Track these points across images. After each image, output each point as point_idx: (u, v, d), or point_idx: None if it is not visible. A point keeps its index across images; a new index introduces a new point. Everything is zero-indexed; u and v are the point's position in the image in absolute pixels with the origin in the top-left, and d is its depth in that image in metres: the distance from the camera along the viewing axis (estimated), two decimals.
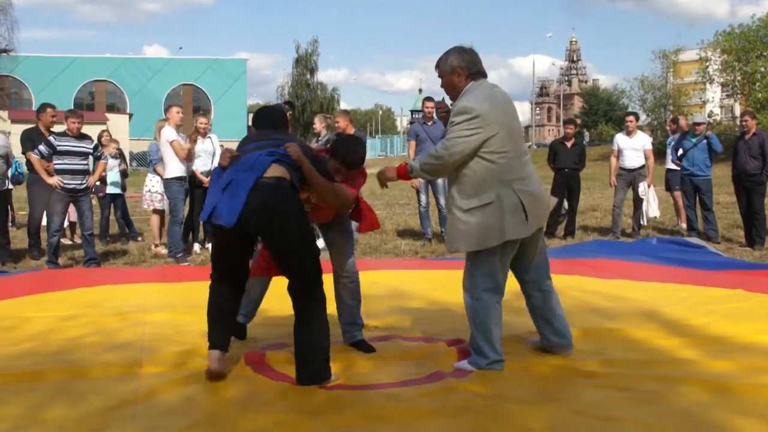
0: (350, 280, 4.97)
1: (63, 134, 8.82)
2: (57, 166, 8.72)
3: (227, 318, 4.41)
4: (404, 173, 4.54)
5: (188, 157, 9.56)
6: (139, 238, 11.70)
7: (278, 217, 4.06)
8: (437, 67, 4.56)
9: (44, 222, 9.77)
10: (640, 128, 12.11)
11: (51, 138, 8.80)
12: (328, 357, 4.23)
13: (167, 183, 9.55)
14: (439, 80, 4.56)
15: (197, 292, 6.93)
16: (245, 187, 4.03)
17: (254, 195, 4.01)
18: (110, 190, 11.54)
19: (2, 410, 3.82)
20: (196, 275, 8.10)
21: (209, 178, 9.80)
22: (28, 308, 6.40)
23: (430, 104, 10.58)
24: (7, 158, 9.32)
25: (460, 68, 4.45)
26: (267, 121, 4.79)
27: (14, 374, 4.40)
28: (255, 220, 4.03)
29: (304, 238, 4.20)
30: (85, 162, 8.88)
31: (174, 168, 9.42)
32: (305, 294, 4.20)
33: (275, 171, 4.11)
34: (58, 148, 8.67)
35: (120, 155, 11.91)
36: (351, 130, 9.88)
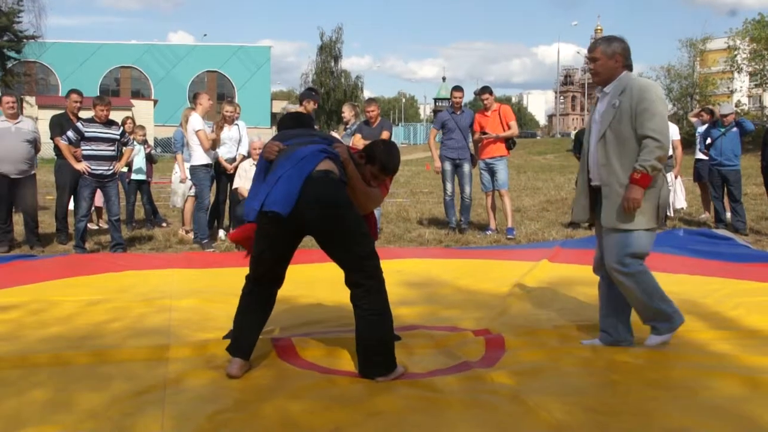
0: None
1: (91, 120, 8.88)
2: (84, 152, 8.79)
3: (257, 328, 4.30)
4: (646, 179, 4.52)
5: (213, 146, 9.61)
6: (164, 224, 11.77)
7: (332, 208, 4.02)
8: (594, 48, 4.70)
9: (71, 207, 9.86)
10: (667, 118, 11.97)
11: (79, 124, 8.87)
12: (394, 347, 4.18)
13: (193, 170, 9.60)
14: (590, 61, 4.71)
15: (223, 278, 7.02)
16: (301, 176, 4.00)
17: (308, 185, 3.99)
18: (135, 176, 11.62)
19: (32, 394, 3.86)
20: (222, 261, 8.16)
21: (233, 165, 9.88)
22: (56, 292, 6.47)
23: (458, 94, 10.55)
24: (36, 143, 9.38)
25: (620, 56, 4.63)
26: (300, 123, 4.85)
27: (43, 357, 4.44)
28: (309, 210, 3.98)
29: (359, 227, 4.13)
30: (112, 148, 8.94)
31: (200, 155, 9.46)
32: (366, 284, 4.09)
33: (326, 165, 4.12)
34: (86, 134, 8.74)
35: (145, 142, 11.99)
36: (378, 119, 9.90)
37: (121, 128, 9.29)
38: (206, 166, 9.51)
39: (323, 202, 4.00)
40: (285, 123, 4.89)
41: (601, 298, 4.94)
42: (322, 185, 4.03)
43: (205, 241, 9.40)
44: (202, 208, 9.51)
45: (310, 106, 9.63)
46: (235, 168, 9.92)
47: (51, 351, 4.57)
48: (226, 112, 10.15)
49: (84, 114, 9.70)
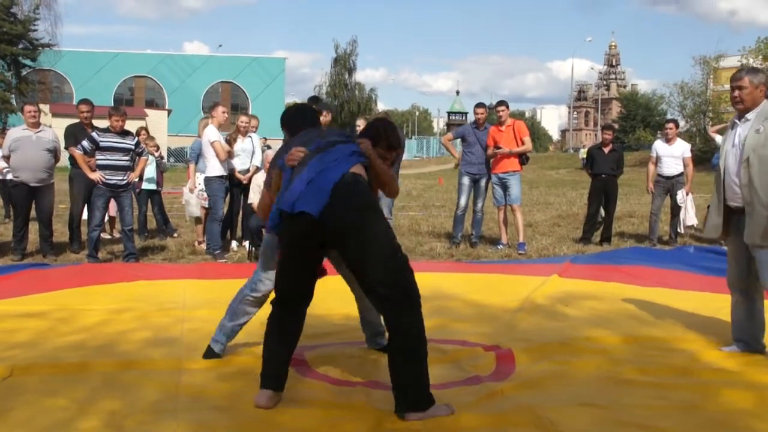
0: None
1: (106, 130, 8.97)
2: (99, 162, 8.88)
3: (287, 357, 4.03)
4: None
5: (229, 157, 9.71)
6: (175, 234, 11.84)
7: (361, 213, 3.75)
8: (740, 78, 4.97)
9: (84, 216, 9.96)
10: (679, 135, 11.98)
11: (94, 134, 8.95)
12: (428, 379, 3.78)
13: (208, 181, 9.68)
14: (736, 89, 4.99)
15: (236, 289, 7.04)
16: (332, 180, 3.74)
17: (340, 188, 3.73)
18: (146, 186, 11.71)
19: (52, 401, 3.92)
20: (234, 272, 8.20)
21: (246, 176, 9.95)
22: (71, 301, 6.55)
23: (481, 110, 10.60)
24: (56, 152, 9.47)
25: (764, 86, 4.94)
26: (309, 120, 4.79)
27: (63, 365, 4.52)
28: (340, 214, 3.69)
29: (390, 237, 3.84)
30: (127, 158, 9.02)
31: (215, 166, 9.55)
32: (398, 301, 3.73)
33: (357, 169, 3.92)
34: (101, 143, 8.82)
35: (157, 150, 12.10)
36: None
37: (136, 138, 9.37)
38: (221, 177, 9.60)
39: (353, 205, 3.73)
40: (293, 117, 4.82)
41: (737, 313, 5.11)
42: (354, 189, 3.78)
43: (218, 252, 9.46)
44: (216, 219, 9.57)
45: (328, 118, 9.72)
46: (249, 179, 9.99)
47: (68, 359, 4.65)
48: (241, 123, 10.23)
49: (98, 123, 9.80)
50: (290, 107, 5.01)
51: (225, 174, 9.65)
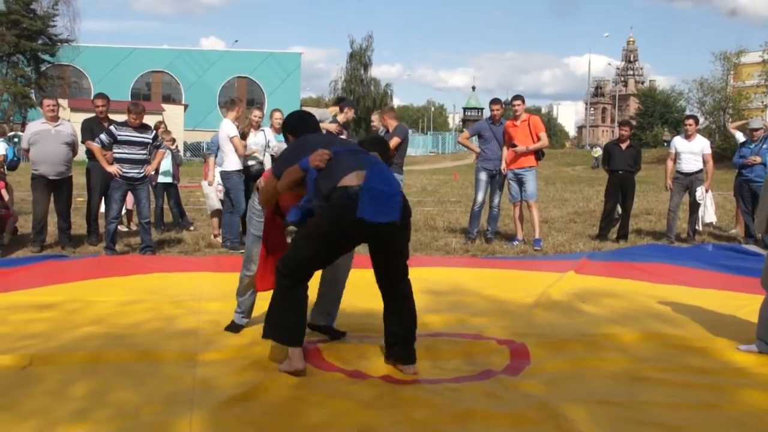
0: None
1: (124, 124, 9.01)
2: (116, 155, 8.93)
3: (305, 316, 4.40)
4: None
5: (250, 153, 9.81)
6: (191, 228, 11.88)
7: (408, 221, 4.39)
8: None
9: (101, 209, 10.01)
10: (699, 131, 11.87)
11: (112, 127, 9.00)
12: None
13: (227, 175, 9.70)
14: None
15: None
16: (399, 190, 4.28)
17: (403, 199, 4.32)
18: (162, 179, 11.75)
19: (69, 391, 3.96)
20: None
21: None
22: (89, 292, 6.59)
23: (497, 107, 10.57)
24: (74, 146, 9.52)
25: None
26: (311, 126, 4.90)
27: (80, 356, 4.56)
28: (403, 222, 4.28)
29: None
30: (144, 152, 9.07)
31: (233, 161, 9.59)
32: (409, 286, 4.49)
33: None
34: (119, 137, 8.87)
35: (173, 143, 12.17)
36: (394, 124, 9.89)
37: (154, 132, 9.40)
38: (239, 171, 9.63)
39: (409, 216, 4.36)
40: (296, 123, 4.91)
41: (766, 311, 5.00)
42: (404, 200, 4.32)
43: (236, 243, 9.51)
44: (237, 213, 9.59)
45: (351, 114, 9.80)
46: (253, 173, 9.99)
47: (84, 350, 4.68)
48: (255, 117, 10.25)
49: (116, 118, 9.84)
50: (293, 114, 5.09)
51: (242, 168, 9.68)
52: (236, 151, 9.53)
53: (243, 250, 9.43)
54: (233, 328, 5.28)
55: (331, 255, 4.37)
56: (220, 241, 10.05)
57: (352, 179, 4.13)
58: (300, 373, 4.20)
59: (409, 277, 4.51)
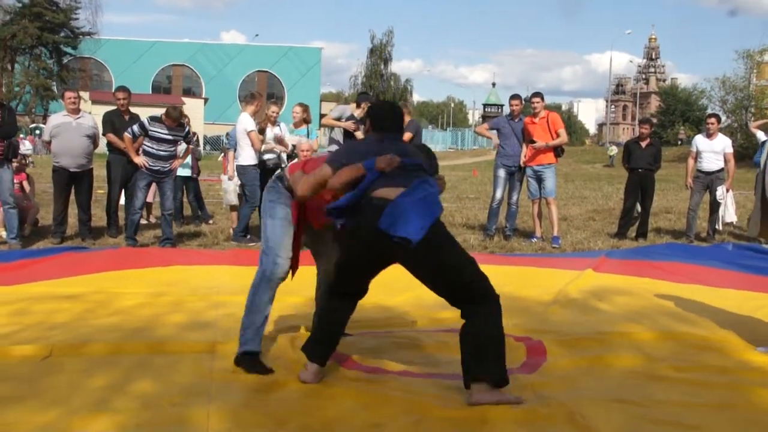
0: None
1: (158, 120, 9.08)
2: (146, 149, 9.01)
3: (337, 335, 4.24)
4: None
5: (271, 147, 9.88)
6: (210, 221, 11.93)
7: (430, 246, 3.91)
8: None
9: (122, 201, 10.10)
10: (720, 130, 11.77)
11: (145, 121, 9.06)
12: None
13: (243, 169, 9.75)
14: None
15: None
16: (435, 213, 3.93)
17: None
18: (181, 172, 11.80)
19: (89, 381, 4.01)
20: None
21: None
22: (111, 284, 6.67)
23: (516, 102, 10.55)
24: (95, 139, 9.60)
25: None
26: (396, 125, 4.47)
27: (100, 346, 4.61)
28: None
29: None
30: (172, 148, 9.18)
31: (249, 155, 9.64)
32: (464, 303, 3.95)
33: None
34: (150, 133, 8.94)
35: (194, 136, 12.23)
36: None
37: (187, 128, 9.46)
38: (255, 166, 9.69)
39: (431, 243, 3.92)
40: (383, 117, 4.47)
41: None
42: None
43: (242, 235, 9.59)
44: (253, 206, 9.64)
45: None
46: (269, 168, 10.03)
47: (104, 341, 4.74)
48: (272, 113, 10.27)
49: (136, 110, 9.92)
50: (385, 104, 4.76)
51: (257, 163, 9.74)
52: (253, 145, 9.57)
53: (251, 243, 9.58)
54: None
55: (356, 269, 4.11)
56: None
57: (389, 193, 3.88)
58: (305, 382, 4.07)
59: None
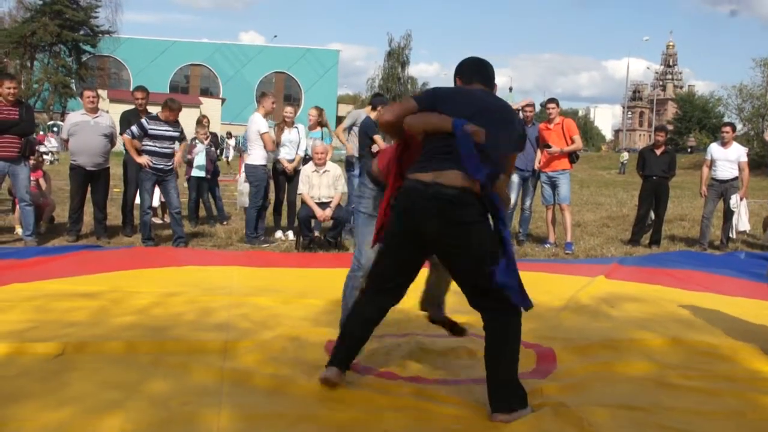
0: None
1: (155, 118, 9.20)
2: (146, 148, 9.09)
3: (363, 343, 4.11)
4: None
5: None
6: (225, 222, 11.98)
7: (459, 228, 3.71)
8: None
9: (137, 201, 10.19)
10: (736, 138, 11.74)
11: (143, 121, 9.17)
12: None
13: (252, 168, 9.82)
14: None
15: (283, 277, 7.20)
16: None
17: None
18: (195, 173, 11.90)
19: (102, 379, 4.05)
20: (282, 261, 8.35)
21: (292, 165, 10.04)
22: (127, 283, 6.73)
23: (529, 108, 10.59)
24: (112, 138, 9.68)
25: None
26: (486, 78, 4.10)
27: (114, 345, 4.66)
28: None
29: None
30: (172, 146, 9.30)
31: (259, 155, 9.72)
32: (489, 305, 3.80)
33: None
34: (149, 131, 9.03)
35: (213, 141, 12.32)
36: None
37: (180, 126, 9.58)
38: (264, 166, 9.78)
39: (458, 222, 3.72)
40: (473, 68, 4.12)
41: None
42: None
43: (254, 236, 9.64)
44: (255, 207, 9.72)
45: None
46: (295, 169, 10.10)
47: (118, 339, 4.78)
48: (287, 114, 10.35)
49: (154, 110, 10.01)
50: (472, 59, 4.21)
51: (266, 163, 9.82)
52: (265, 146, 9.63)
53: (267, 244, 9.64)
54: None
55: (394, 259, 3.88)
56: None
57: (428, 176, 3.65)
58: (326, 383, 3.98)
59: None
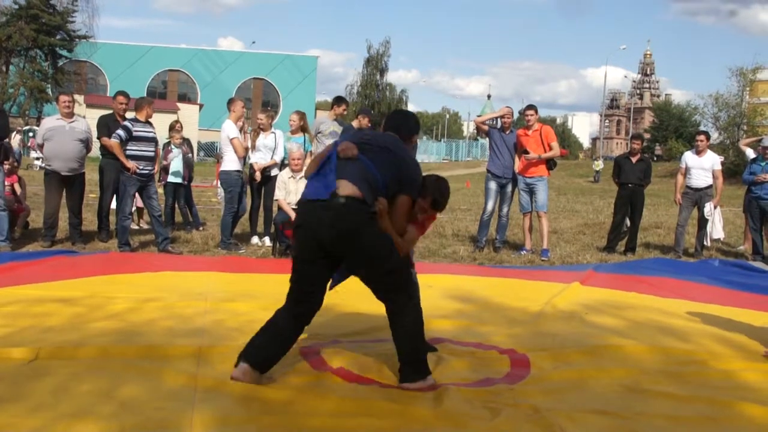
0: None
1: (135, 120, 9.19)
2: (130, 152, 9.03)
3: (282, 346, 4.25)
4: None
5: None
6: (201, 228, 11.93)
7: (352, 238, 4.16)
8: None
9: (113, 206, 10.12)
10: (712, 147, 11.86)
11: (128, 123, 9.13)
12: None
13: (225, 174, 9.81)
14: None
15: (258, 283, 7.16)
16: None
17: None
18: (171, 179, 11.83)
19: (74, 386, 4.01)
20: (258, 267, 8.31)
21: (260, 167, 10.11)
22: (98, 288, 6.67)
23: (507, 116, 10.62)
24: (88, 143, 9.62)
25: None
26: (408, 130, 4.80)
27: (86, 350, 4.61)
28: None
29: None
30: (152, 149, 9.27)
31: (233, 160, 9.71)
32: (388, 296, 4.29)
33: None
34: (134, 133, 9.00)
35: (188, 144, 12.28)
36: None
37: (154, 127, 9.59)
38: (238, 171, 9.77)
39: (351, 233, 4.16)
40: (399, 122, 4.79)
41: None
42: None
43: (230, 242, 9.62)
44: (230, 212, 9.71)
45: (365, 121, 9.89)
46: (263, 175, 10.10)
47: (91, 345, 4.74)
48: (259, 120, 10.39)
49: (131, 115, 9.98)
50: (400, 112, 5.14)
51: (241, 169, 9.82)
52: (235, 152, 9.62)
53: (243, 249, 9.64)
54: None
55: (303, 263, 4.32)
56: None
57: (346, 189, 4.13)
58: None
59: (413, 285, 4.48)
